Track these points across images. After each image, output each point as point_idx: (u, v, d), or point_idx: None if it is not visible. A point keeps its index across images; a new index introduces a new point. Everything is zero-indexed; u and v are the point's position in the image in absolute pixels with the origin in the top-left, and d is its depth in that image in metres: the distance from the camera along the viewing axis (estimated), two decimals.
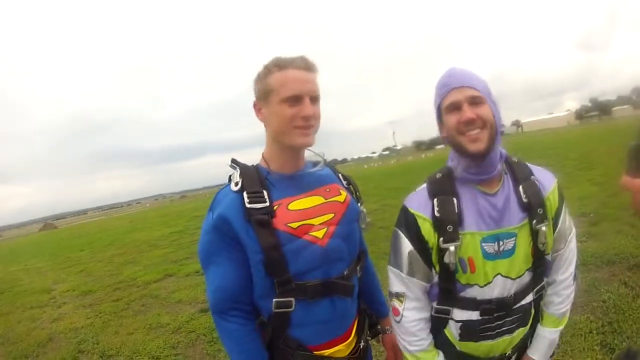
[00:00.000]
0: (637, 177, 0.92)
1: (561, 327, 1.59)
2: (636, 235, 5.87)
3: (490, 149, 1.37)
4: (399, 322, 1.56)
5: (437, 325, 1.55)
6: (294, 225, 1.47)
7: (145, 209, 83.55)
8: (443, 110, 1.44)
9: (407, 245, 1.48)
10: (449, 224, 1.40)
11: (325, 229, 1.53)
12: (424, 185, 1.54)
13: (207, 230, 1.48)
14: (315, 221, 1.51)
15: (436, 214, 1.43)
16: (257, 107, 1.53)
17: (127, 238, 19.90)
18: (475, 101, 1.36)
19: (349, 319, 1.64)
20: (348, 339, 1.63)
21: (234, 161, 1.58)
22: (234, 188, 1.47)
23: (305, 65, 1.48)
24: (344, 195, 1.64)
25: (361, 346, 1.70)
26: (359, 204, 1.72)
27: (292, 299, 1.47)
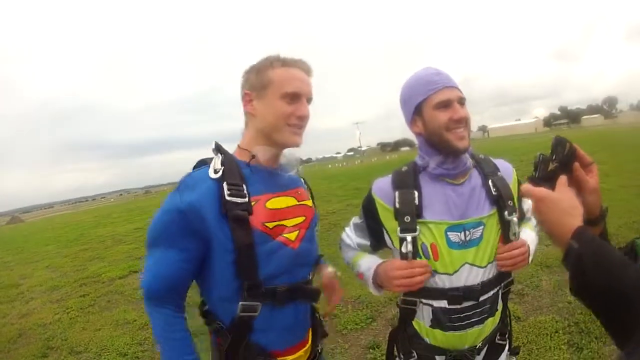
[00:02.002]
0: (538, 186, 0.95)
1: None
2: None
3: (469, 146, 1.48)
4: (340, 249, 1.83)
5: (405, 317, 1.60)
6: (270, 225, 1.42)
7: (109, 203, 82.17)
8: (429, 107, 1.49)
9: (364, 221, 1.68)
10: (406, 214, 1.48)
11: (297, 231, 1.50)
12: (390, 175, 1.62)
13: (169, 210, 1.36)
14: (289, 222, 1.48)
15: (397, 205, 1.50)
16: (248, 98, 1.48)
17: (92, 233, 19.61)
18: (462, 102, 1.47)
19: (307, 323, 1.62)
20: (307, 344, 1.61)
21: (217, 145, 1.49)
22: (213, 175, 1.37)
23: (307, 69, 1.50)
24: (310, 200, 1.66)
25: (319, 350, 1.68)
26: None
27: (259, 303, 1.40)
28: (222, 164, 1.40)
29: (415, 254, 1.46)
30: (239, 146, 1.54)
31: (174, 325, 1.41)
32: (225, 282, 1.39)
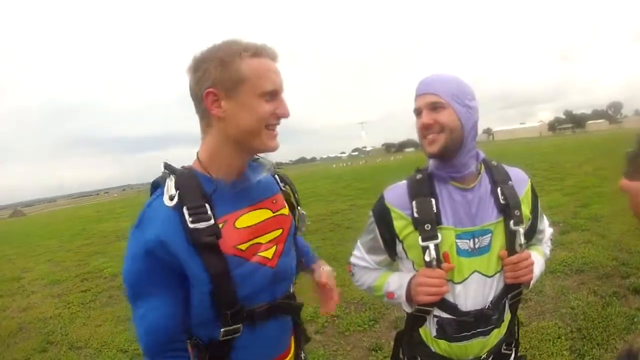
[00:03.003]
0: (634, 180, 0.95)
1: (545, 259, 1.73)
2: (606, 246, 5.99)
3: (446, 151, 1.44)
4: (353, 275, 1.76)
5: (413, 322, 1.58)
6: (243, 247, 1.27)
7: (113, 199, 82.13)
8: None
9: (375, 232, 1.60)
10: (427, 222, 1.44)
11: (274, 247, 1.36)
12: (405, 182, 1.58)
13: (136, 255, 1.19)
14: (264, 239, 1.34)
15: (415, 215, 1.47)
16: (214, 98, 1.23)
17: (94, 228, 19.65)
18: (434, 106, 1.42)
19: (288, 334, 1.53)
20: (289, 354, 1.54)
21: (167, 166, 1.29)
22: (169, 203, 1.19)
23: (275, 55, 1.29)
24: (286, 208, 1.49)
25: (302, 358, 1.63)
26: (298, 207, 1.56)
27: (241, 325, 1.28)
28: (177, 187, 1.21)
29: (439, 261, 1.43)
30: (198, 158, 1.33)
31: None
32: (203, 310, 1.26)
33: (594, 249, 5.91)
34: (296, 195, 1.57)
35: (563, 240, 6.56)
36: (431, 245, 1.43)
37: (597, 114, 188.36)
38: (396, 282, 1.57)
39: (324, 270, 1.66)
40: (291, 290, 1.47)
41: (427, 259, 1.43)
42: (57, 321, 6.14)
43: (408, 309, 1.56)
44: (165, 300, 1.22)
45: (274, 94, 1.25)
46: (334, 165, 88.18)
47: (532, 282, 1.54)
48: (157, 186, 1.31)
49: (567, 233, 7.00)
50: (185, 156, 1.36)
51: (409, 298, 1.52)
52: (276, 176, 1.53)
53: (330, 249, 7.43)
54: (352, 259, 1.74)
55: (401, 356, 1.68)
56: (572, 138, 73.16)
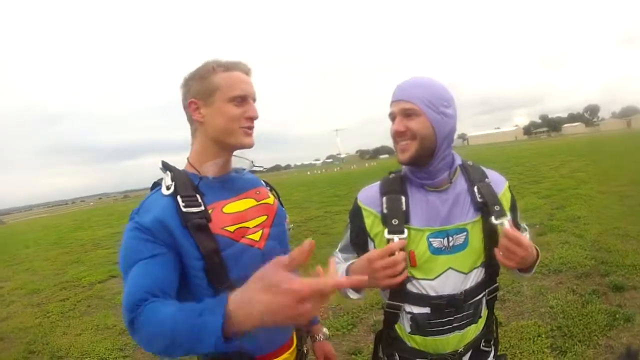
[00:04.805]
0: None
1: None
2: (583, 246, 6.10)
3: (417, 158, 1.45)
4: None
5: (388, 320, 1.59)
6: (231, 228, 1.42)
7: (89, 207, 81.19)
8: None
9: (348, 231, 1.66)
10: (394, 218, 1.47)
11: (261, 231, 1.51)
12: (378, 182, 1.61)
13: (133, 228, 1.31)
14: (250, 224, 1.48)
15: (384, 210, 1.50)
16: (195, 106, 1.47)
17: (71, 237, 19.56)
18: (407, 113, 1.43)
19: (289, 327, 1.60)
20: (292, 346, 1.61)
21: (164, 164, 1.49)
22: (166, 192, 1.37)
23: (248, 70, 1.51)
24: (272, 197, 1.65)
25: (305, 351, 1.68)
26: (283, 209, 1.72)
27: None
28: (173, 179, 1.40)
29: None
30: (188, 161, 1.53)
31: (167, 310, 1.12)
32: (199, 291, 1.36)
33: (572, 249, 6.01)
34: (279, 200, 1.73)
35: (540, 241, 6.63)
36: (395, 238, 1.43)
37: (573, 118, 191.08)
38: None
39: (321, 346, 1.84)
40: None
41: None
42: (37, 330, 6.10)
43: (354, 296, 1.55)
44: (154, 261, 1.27)
45: (243, 99, 1.45)
46: (308, 173, 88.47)
47: (529, 271, 1.52)
48: (156, 185, 1.47)
49: (544, 234, 7.11)
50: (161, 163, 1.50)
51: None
52: (262, 180, 1.72)
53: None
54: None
55: (381, 355, 1.68)
56: (548, 142, 74.27)
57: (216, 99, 1.43)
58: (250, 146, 1.51)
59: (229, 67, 1.46)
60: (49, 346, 5.41)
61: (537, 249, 1.51)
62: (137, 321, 1.16)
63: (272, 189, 1.74)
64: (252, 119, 1.48)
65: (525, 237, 1.65)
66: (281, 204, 1.72)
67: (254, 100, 1.51)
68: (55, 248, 15.97)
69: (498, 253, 1.38)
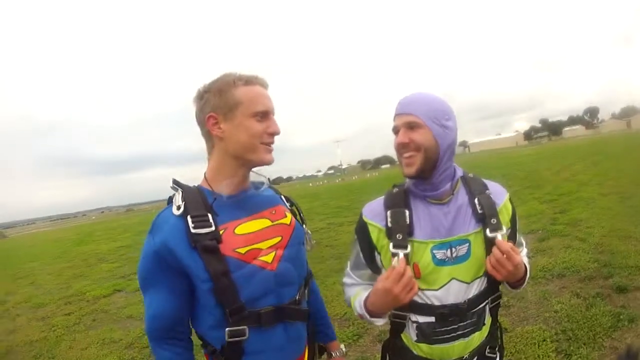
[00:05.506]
0: None
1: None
2: (586, 249, 6.11)
3: (422, 171, 1.48)
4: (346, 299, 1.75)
5: (395, 329, 1.62)
6: (242, 250, 1.39)
7: (91, 221, 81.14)
8: None
9: (357, 247, 1.65)
10: (398, 232, 1.49)
11: (274, 252, 1.47)
12: (382, 197, 1.63)
13: (146, 255, 1.37)
14: (263, 245, 1.45)
15: (389, 224, 1.52)
16: (214, 121, 1.42)
17: (75, 251, 19.58)
18: (410, 126, 1.46)
19: (302, 343, 1.59)
20: None
21: (175, 182, 1.47)
22: (176, 212, 1.36)
23: (266, 84, 1.48)
24: (289, 217, 1.61)
25: None
26: (304, 225, 1.69)
27: (246, 327, 1.38)
28: (183, 199, 1.39)
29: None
30: (205, 177, 1.50)
31: None
32: (208, 310, 1.39)
33: (575, 253, 6.01)
34: (301, 214, 1.72)
35: (542, 246, 6.66)
36: (401, 253, 1.45)
37: (573, 120, 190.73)
38: (358, 303, 1.59)
39: None
40: (298, 297, 1.54)
41: (394, 264, 1.44)
42: (43, 344, 6.11)
43: (380, 322, 1.58)
44: (168, 294, 1.38)
45: (265, 115, 1.42)
46: (310, 184, 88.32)
47: (517, 286, 1.58)
48: (170, 200, 1.46)
49: (546, 239, 7.10)
50: (169, 177, 1.50)
51: (373, 314, 1.55)
52: (282, 196, 1.70)
53: (310, 267, 7.15)
54: (344, 279, 1.77)
55: None
56: (549, 145, 74.17)
57: (237, 113, 1.39)
58: (270, 163, 1.47)
59: (249, 81, 1.42)
60: None
61: (526, 267, 1.57)
62: (154, 349, 1.44)
63: (292, 204, 1.71)
64: (274, 134, 1.45)
65: (521, 251, 1.69)
66: (302, 220, 1.70)
67: (274, 115, 1.48)
68: (59, 262, 15.96)
69: (488, 263, 1.44)
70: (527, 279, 1.59)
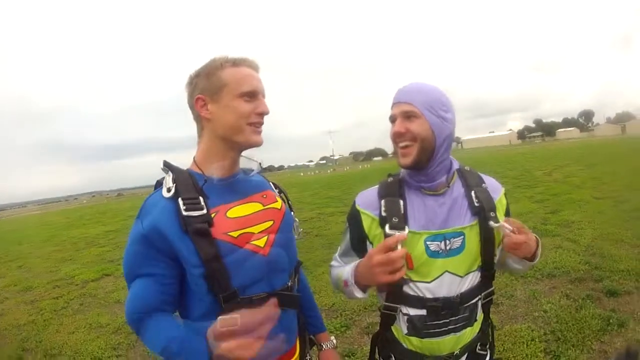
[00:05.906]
0: None
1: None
2: (577, 251, 6.13)
3: (418, 162, 1.47)
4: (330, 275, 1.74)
5: (385, 322, 1.60)
6: (234, 234, 1.36)
7: (82, 205, 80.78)
8: None
9: (347, 235, 1.66)
10: (394, 217, 1.47)
11: (266, 237, 1.45)
12: (376, 186, 1.62)
13: (134, 239, 1.33)
14: (255, 229, 1.43)
15: (382, 213, 1.50)
16: (202, 103, 1.41)
17: (64, 234, 19.47)
18: (408, 115, 1.45)
19: (293, 332, 1.57)
20: (294, 354, 1.57)
21: (166, 164, 1.45)
22: (167, 194, 1.33)
23: (256, 66, 1.47)
24: (279, 202, 1.59)
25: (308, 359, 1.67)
26: (291, 213, 1.67)
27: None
28: (174, 181, 1.36)
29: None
30: (194, 160, 1.48)
31: (169, 323, 1.31)
32: (199, 297, 1.35)
33: (565, 254, 6.03)
34: (289, 202, 1.69)
35: None
36: (397, 233, 1.42)
37: (568, 122, 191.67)
38: (348, 270, 1.55)
39: (326, 355, 1.80)
40: (289, 284, 1.52)
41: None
42: (31, 328, 6.10)
43: (360, 294, 1.53)
44: (154, 277, 1.33)
45: (252, 95, 1.40)
46: (302, 174, 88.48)
47: (533, 259, 1.58)
48: (158, 185, 1.44)
49: None
50: (157, 162, 1.46)
51: (360, 284, 1.51)
52: (270, 182, 1.68)
53: (299, 256, 7.14)
54: (331, 262, 1.75)
55: (377, 356, 1.69)
56: (542, 146, 74.46)
57: (224, 94, 1.38)
58: (258, 144, 1.45)
59: (237, 62, 1.42)
60: (42, 344, 5.40)
61: (537, 238, 1.57)
62: (136, 329, 1.37)
63: (281, 191, 1.69)
64: (262, 114, 1.43)
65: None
66: (290, 207, 1.67)
67: (264, 96, 1.46)
68: (48, 245, 15.91)
69: (508, 241, 1.43)
70: (540, 248, 1.60)
